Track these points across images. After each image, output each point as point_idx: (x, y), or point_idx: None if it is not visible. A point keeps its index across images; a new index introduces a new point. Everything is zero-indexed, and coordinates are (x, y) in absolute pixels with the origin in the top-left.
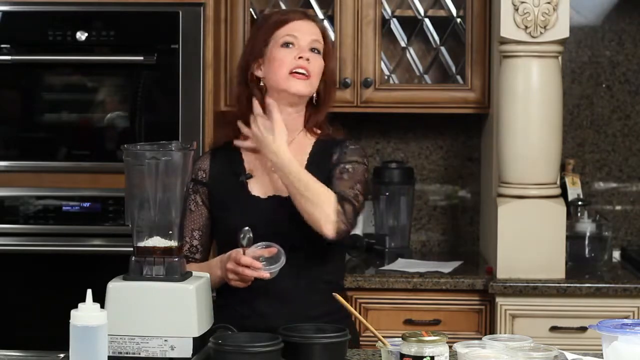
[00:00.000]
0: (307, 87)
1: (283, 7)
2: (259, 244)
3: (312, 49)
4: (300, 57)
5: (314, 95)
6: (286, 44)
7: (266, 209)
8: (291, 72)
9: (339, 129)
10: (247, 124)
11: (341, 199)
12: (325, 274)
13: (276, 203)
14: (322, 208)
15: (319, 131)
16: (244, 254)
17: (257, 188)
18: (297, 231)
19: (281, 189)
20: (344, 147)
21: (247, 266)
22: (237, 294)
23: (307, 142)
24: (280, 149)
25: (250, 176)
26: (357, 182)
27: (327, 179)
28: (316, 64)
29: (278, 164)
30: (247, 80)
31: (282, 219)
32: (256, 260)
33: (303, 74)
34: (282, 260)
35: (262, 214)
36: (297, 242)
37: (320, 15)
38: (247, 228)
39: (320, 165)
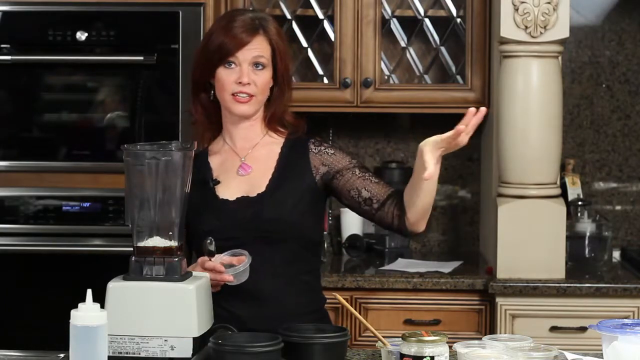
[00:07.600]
0: (250, 108)
1: (283, 7)
2: (227, 252)
3: (256, 64)
4: (240, 82)
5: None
6: (228, 63)
7: (236, 210)
8: (234, 94)
9: (301, 119)
10: (212, 132)
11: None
12: (301, 273)
13: (244, 204)
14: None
15: (284, 130)
16: (210, 261)
17: (225, 192)
18: (270, 230)
19: (248, 191)
20: (326, 147)
21: (211, 270)
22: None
23: (275, 144)
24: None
25: (218, 182)
26: None
27: (301, 179)
28: (260, 80)
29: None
30: (199, 88)
31: (253, 219)
32: (219, 265)
33: (245, 96)
34: (246, 262)
35: (233, 216)
36: (271, 241)
37: (320, 16)
38: (210, 237)
39: (291, 165)
